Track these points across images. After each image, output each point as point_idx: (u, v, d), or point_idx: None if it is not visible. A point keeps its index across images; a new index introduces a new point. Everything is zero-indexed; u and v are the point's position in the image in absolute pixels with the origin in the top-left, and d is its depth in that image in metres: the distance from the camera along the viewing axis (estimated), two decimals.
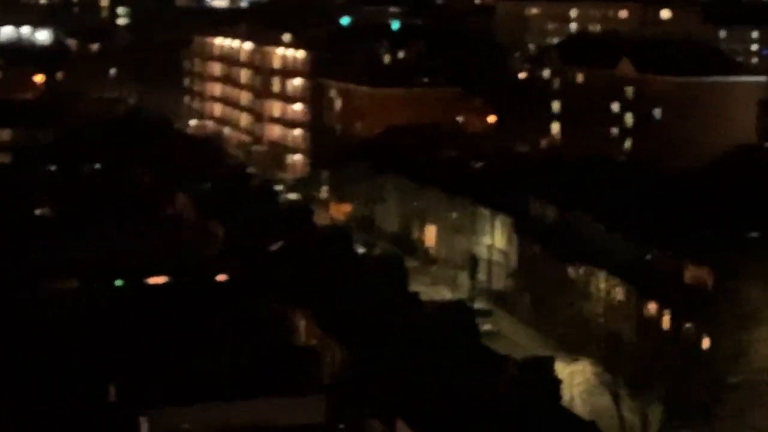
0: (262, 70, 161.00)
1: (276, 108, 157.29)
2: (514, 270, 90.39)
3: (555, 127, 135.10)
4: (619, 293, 75.70)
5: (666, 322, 71.43)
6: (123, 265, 69.71)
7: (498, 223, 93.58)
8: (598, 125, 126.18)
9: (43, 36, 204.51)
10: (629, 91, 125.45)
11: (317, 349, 57.51)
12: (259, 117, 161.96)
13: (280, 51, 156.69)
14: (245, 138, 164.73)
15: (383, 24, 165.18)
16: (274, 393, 50.65)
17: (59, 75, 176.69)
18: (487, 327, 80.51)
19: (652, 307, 72.57)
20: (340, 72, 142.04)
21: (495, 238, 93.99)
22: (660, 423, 61.75)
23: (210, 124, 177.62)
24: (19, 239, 74.35)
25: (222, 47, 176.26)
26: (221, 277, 69.92)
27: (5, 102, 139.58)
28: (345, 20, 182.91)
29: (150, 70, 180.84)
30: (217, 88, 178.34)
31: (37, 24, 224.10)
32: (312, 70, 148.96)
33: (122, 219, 79.73)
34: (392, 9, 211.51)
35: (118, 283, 67.19)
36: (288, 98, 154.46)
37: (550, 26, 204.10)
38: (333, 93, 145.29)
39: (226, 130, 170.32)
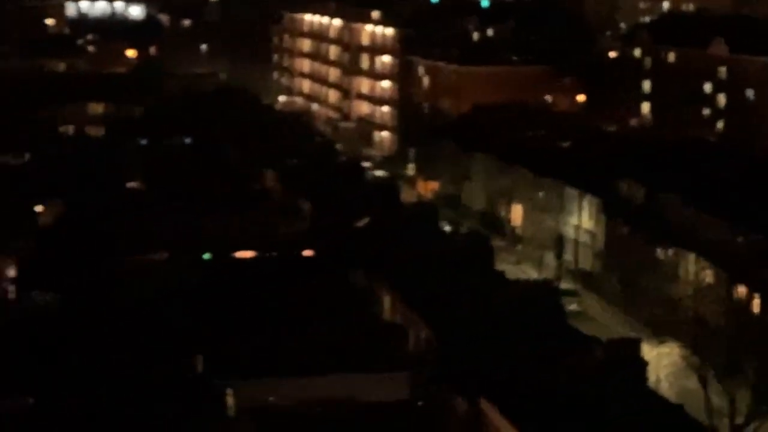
0: (351, 47, 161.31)
1: (364, 85, 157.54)
2: (601, 251, 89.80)
3: (645, 107, 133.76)
4: (708, 276, 74.90)
5: (756, 306, 70.56)
6: (211, 240, 70.35)
7: (585, 204, 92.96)
8: (690, 106, 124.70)
9: (136, 11, 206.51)
10: (722, 71, 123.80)
11: (402, 326, 57.58)
12: (347, 94, 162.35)
13: (368, 28, 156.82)
14: (333, 114, 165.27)
15: (472, 1, 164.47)
16: (359, 368, 50.85)
17: (151, 50, 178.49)
18: (573, 307, 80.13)
19: (741, 290, 71.70)
20: (428, 49, 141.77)
21: (582, 219, 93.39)
22: (748, 408, 61.05)
23: (298, 100, 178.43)
24: (110, 212, 75.30)
25: (311, 24, 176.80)
26: (307, 253, 70.29)
27: (98, 76, 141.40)
28: None
29: (240, 46, 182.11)
30: (305, 65, 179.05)
31: None
32: (400, 48, 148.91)
33: (211, 194, 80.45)
34: None
35: (206, 256, 67.81)
36: (376, 75, 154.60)
37: (642, 5, 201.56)
38: (421, 70, 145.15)
39: (315, 107, 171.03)
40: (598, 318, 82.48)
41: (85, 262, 64.37)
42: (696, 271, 76.00)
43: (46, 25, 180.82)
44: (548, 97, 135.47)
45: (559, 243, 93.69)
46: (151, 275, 61.39)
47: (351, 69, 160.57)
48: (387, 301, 62.00)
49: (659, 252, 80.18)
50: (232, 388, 51.11)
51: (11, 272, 63.20)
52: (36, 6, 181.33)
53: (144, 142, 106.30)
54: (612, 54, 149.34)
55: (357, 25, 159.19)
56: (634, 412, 44.27)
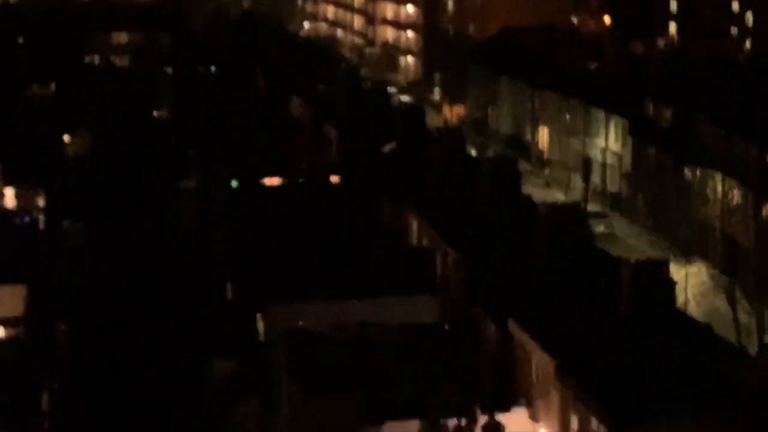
0: None
1: (389, 9, 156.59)
2: (629, 172, 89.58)
3: (672, 28, 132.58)
4: (736, 196, 74.67)
5: None
6: (238, 167, 70.56)
7: (612, 125, 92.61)
8: (717, 25, 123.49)
9: None
10: None
11: (429, 250, 57.77)
12: (371, 19, 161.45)
13: None
14: (358, 40, 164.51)
15: None
16: (387, 292, 51.13)
17: None
18: (600, 229, 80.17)
19: None
20: None
21: (609, 141, 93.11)
22: None
23: (323, 26, 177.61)
24: (137, 141, 75.58)
25: None
26: (335, 179, 70.45)
27: (123, 5, 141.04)
28: None
29: None
30: None
31: None
32: None
33: (237, 121, 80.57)
34: None
35: (234, 183, 68.08)
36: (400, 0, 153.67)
37: None
38: None
39: (339, 33, 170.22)
40: (625, 239, 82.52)
41: (113, 192, 64.74)
42: (724, 190, 75.76)
43: None
44: (575, 19, 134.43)
45: (586, 165, 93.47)
46: (179, 203, 61.75)
47: None
48: (414, 225, 62.13)
49: (687, 172, 79.93)
50: (263, 314, 51.55)
51: (40, 202, 63.65)
52: None
53: (170, 70, 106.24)
54: None
55: None
56: (663, 332, 44.38)
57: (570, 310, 46.40)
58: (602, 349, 42.63)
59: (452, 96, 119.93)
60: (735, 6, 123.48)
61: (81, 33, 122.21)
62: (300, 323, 48.43)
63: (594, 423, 39.08)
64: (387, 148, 75.54)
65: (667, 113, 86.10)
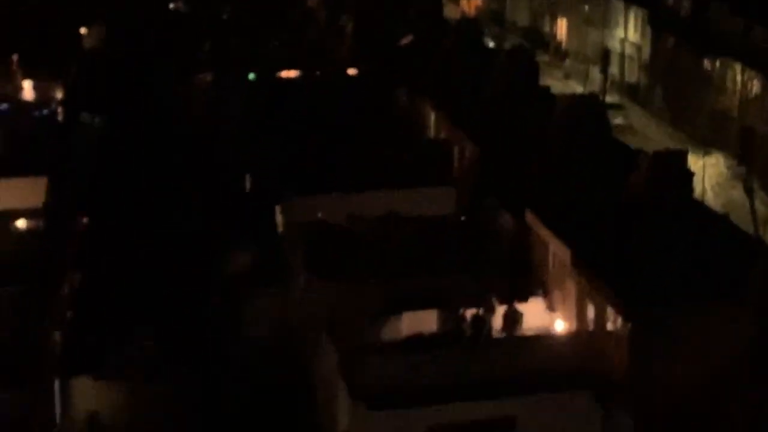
0: None
1: None
2: (647, 63, 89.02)
3: None
4: (755, 86, 74.24)
5: None
6: (255, 59, 70.38)
7: (632, 15, 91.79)
8: None
9: None
10: None
11: (447, 142, 57.77)
12: None
13: None
14: None
15: None
16: (405, 184, 51.24)
17: None
18: (618, 121, 79.98)
19: None
20: None
21: (628, 31, 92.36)
22: None
23: None
24: (153, 33, 75.33)
25: None
26: (352, 71, 70.22)
27: None
28: None
29: None
30: None
31: None
32: None
33: (253, 14, 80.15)
34: None
35: (251, 76, 67.94)
36: None
37: None
38: None
39: None
40: (644, 131, 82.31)
41: (130, 85, 64.74)
42: (743, 81, 75.30)
43: None
44: None
45: (604, 57, 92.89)
46: (196, 95, 61.73)
47: None
48: (431, 117, 62.08)
49: (706, 63, 79.38)
50: (280, 205, 51.78)
51: (58, 95, 63.66)
52: None
53: None
54: None
55: None
56: (681, 222, 44.51)
57: (587, 200, 46.51)
58: (619, 240, 42.83)
59: None
60: None
61: None
62: (318, 215, 48.66)
63: (610, 312, 39.38)
64: (404, 40, 75.16)
65: (687, 3, 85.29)
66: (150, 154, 55.59)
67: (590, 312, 41.10)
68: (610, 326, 39.40)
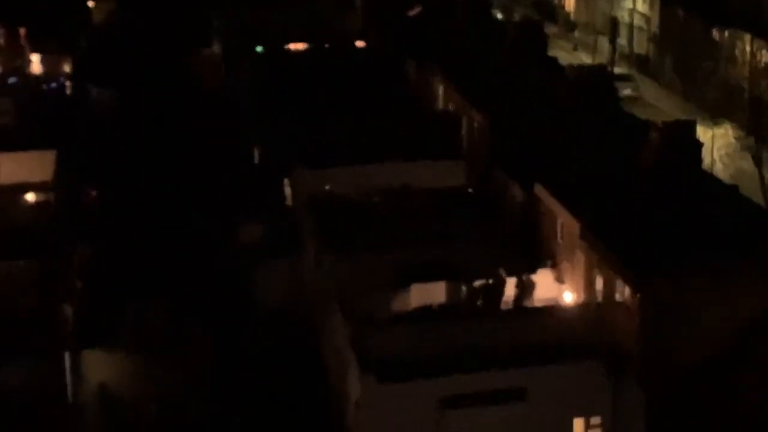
0: None
1: None
2: (656, 34, 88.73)
3: None
4: (765, 57, 74.02)
5: None
6: (264, 32, 70.30)
7: None
8: None
9: None
10: None
11: (456, 114, 57.74)
12: None
13: None
14: None
15: None
16: (414, 156, 51.25)
17: None
18: (627, 92, 79.80)
19: None
20: None
21: (636, 2, 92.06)
22: None
23: None
24: (162, 6, 75.23)
25: None
26: (360, 44, 70.14)
27: None
28: None
29: None
30: None
31: None
32: None
33: None
34: None
35: (259, 49, 67.90)
36: None
37: None
38: None
39: None
40: (653, 102, 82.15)
41: (139, 58, 64.76)
42: (752, 51, 75.07)
43: None
44: None
45: (613, 27, 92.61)
46: (206, 68, 61.75)
47: None
48: (440, 89, 62.03)
49: (715, 33, 79.13)
50: (289, 177, 51.84)
51: (67, 68, 63.69)
52: None
53: None
54: None
55: None
56: (690, 193, 44.53)
57: (596, 172, 46.51)
58: (628, 211, 42.86)
59: None
60: None
61: None
62: (327, 187, 48.69)
63: (619, 283, 39.44)
64: (413, 11, 75.01)
65: None
66: (159, 126, 55.66)
67: (599, 283, 41.17)
68: (619, 297, 39.47)
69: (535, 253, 45.09)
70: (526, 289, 42.97)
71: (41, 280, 41.60)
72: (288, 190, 52.29)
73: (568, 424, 38.26)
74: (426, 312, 41.48)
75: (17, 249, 42.44)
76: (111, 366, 42.80)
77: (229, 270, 47.48)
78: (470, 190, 49.98)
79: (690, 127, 48.30)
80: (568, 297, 43.18)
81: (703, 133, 60.05)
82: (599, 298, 41.07)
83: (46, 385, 40.37)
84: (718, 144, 69.15)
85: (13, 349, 39.80)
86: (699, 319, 37.33)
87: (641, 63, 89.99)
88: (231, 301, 45.98)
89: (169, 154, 53.20)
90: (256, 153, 55.14)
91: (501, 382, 37.37)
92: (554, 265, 44.69)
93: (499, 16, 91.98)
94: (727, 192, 46.07)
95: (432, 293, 42.27)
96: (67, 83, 60.73)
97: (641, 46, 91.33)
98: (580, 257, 42.53)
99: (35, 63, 64.88)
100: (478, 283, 42.64)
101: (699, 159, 48.00)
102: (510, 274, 42.95)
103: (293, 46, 69.25)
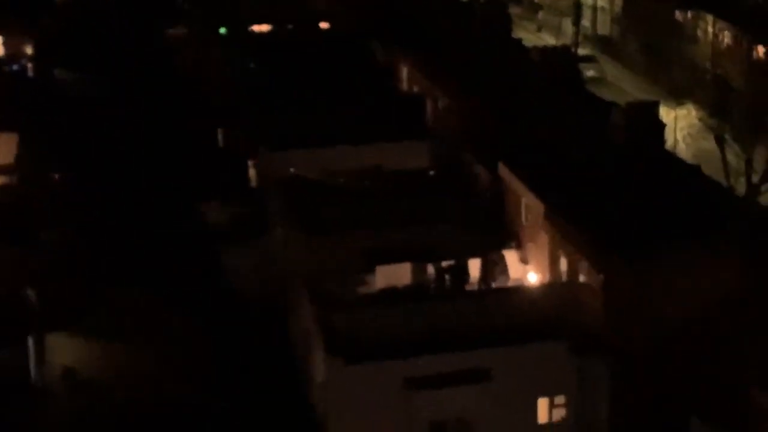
0: None
1: None
2: (620, 15, 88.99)
3: None
4: (727, 37, 74.39)
5: None
6: (229, 13, 70.00)
7: None
8: None
9: None
10: None
11: (420, 96, 57.76)
12: None
13: None
14: None
15: None
16: (379, 138, 51.20)
17: None
18: (591, 73, 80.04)
19: (760, 50, 71.34)
20: None
21: None
22: (764, 166, 61.52)
23: None
24: None
25: None
26: (324, 25, 69.97)
27: None
28: None
29: None
30: None
31: None
32: None
33: None
34: None
35: (223, 30, 67.64)
36: None
37: None
38: None
39: None
40: (616, 83, 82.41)
41: (103, 40, 64.38)
42: (715, 32, 75.42)
43: None
44: None
45: (576, 9, 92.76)
46: (169, 50, 61.47)
47: None
48: (404, 71, 62.03)
49: (678, 14, 79.41)
50: (254, 160, 51.74)
51: (29, 50, 63.25)
52: None
53: None
54: None
55: None
56: (654, 174, 44.76)
57: (560, 153, 46.65)
58: (591, 191, 43.01)
59: None
60: None
61: None
62: (292, 170, 48.61)
63: (583, 264, 39.64)
64: None
65: None
66: (124, 109, 55.38)
67: (563, 264, 41.36)
68: (583, 278, 39.67)
69: (499, 234, 45.21)
70: (495, 268, 43.14)
71: (4, 264, 41.38)
72: (253, 173, 52.19)
73: (532, 403, 38.50)
74: (392, 293, 41.59)
75: None
76: (75, 350, 42.66)
77: (196, 253, 47.39)
78: (431, 172, 49.78)
79: (653, 108, 48.56)
80: (533, 277, 43.37)
81: (666, 113, 60.40)
82: (563, 278, 41.26)
83: (9, 369, 40.20)
84: (681, 124, 69.50)
85: None
86: (662, 299, 37.56)
87: (605, 44, 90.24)
88: (198, 283, 45.89)
89: (134, 137, 52.95)
90: (220, 136, 55.00)
91: (466, 363, 37.53)
92: (519, 246, 44.85)
93: None
94: (690, 172, 46.33)
95: (397, 275, 42.37)
96: (30, 65, 60.36)
97: (605, 27, 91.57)
98: (544, 238, 42.70)
99: None
100: (445, 264, 42.77)
101: (662, 139, 48.27)
102: (476, 255, 43.10)
103: (257, 28, 69.01)
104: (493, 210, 46.20)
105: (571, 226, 40.59)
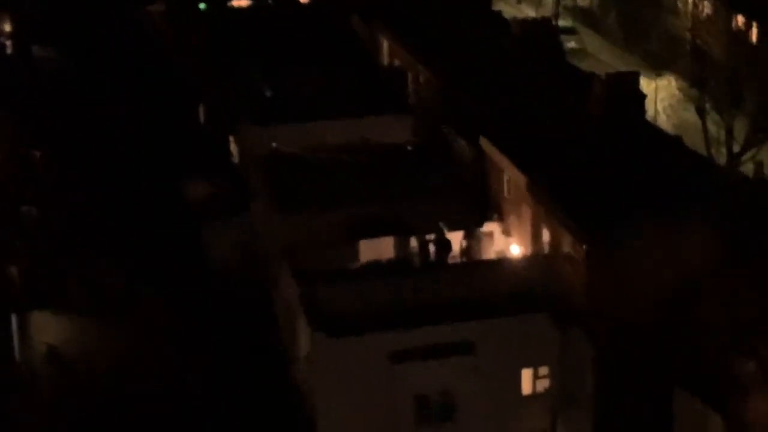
0: None
1: None
2: None
3: None
4: (706, 7, 74.46)
5: (754, 35, 70.46)
6: None
7: None
8: None
9: None
10: None
11: (402, 69, 57.66)
12: None
13: None
14: None
15: None
16: (360, 112, 51.16)
17: None
18: (571, 45, 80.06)
19: (740, 20, 71.43)
20: None
21: None
22: (745, 136, 61.75)
23: None
24: None
25: None
26: (303, 0, 69.75)
27: None
28: None
29: None
30: None
31: None
32: None
33: None
34: None
35: (202, 6, 67.37)
36: None
37: None
38: None
39: None
40: (597, 54, 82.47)
41: (82, 16, 64.07)
42: (694, 2, 75.47)
43: None
44: None
45: None
46: (149, 27, 61.20)
47: None
48: (385, 45, 61.89)
49: None
50: (234, 136, 51.66)
51: (8, 27, 62.92)
52: None
53: None
54: None
55: None
56: (635, 145, 44.85)
57: (541, 125, 46.69)
58: (573, 163, 43.07)
59: None
60: None
61: None
62: (273, 145, 48.54)
63: (565, 236, 39.73)
64: None
65: None
66: (105, 86, 55.17)
67: (545, 236, 41.45)
68: (565, 250, 39.77)
69: (482, 207, 45.27)
70: (475, 242, 43.21)
71: None
72: (233, 148, 52.11)
73: (516, 375, 38.68)
74: (375, 267, 41.64)
75: None
76: (58, 328, 42.65)
77: (178, 229, 47.34)
78: (409, 147, 49.66)
79: (633, 79, 48.60)
80: (515, 250, 43.46)
81: (646, 84, 60.47)
82: (546, 250, 41.36)
83: None
84: (661, 95, 69.67)
85: None
86: (644, 270, 37.69)
87: (585, 15, 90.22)
88: (181, 260, 45.87)
89: (115, 113, 52.78)
90: (201, 111, 54.88)
91: (450, 336, 37.66)
92: (501, 219, 44.92)
93: None
94: (671, 142, 46.43)
95: (380, 248, 42.42)
96: (8, 42, 60.07)
97: None
98: (526, 211, 42.77)
99: None
100: (428, 237, 42.83)
101: (643, 110, 48.34)
102: (458, 229, 43.15)
103: (236, 3, 68.75)
104: (475, 183, 46.24)
105: (553, 198, 40.66)
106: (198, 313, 43.75)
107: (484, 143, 46.02)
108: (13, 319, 41.69)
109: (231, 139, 51.94)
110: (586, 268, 38.09)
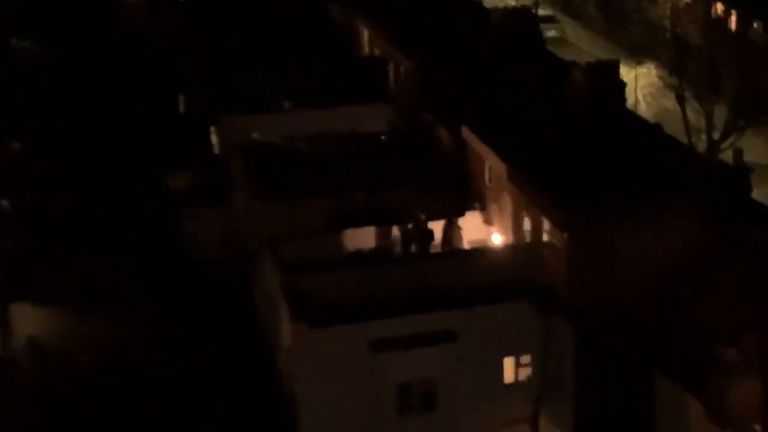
0: None
1: None
2: None
3: None
4: None
5: (733, 22, 70.66)
6: None
7: None
8: None
9: None
10: None
11: (382, 58, 57.63)
12: None
13: None
14: None
15: None
16: (340, 101, 51.14)
17: None
18: (551, 33, 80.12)
19: (719, 7, 71.62)
20: None
21: None
22: (725, 123, 61.98)
23: None
24: None
25: None
26: None
27: None
28: None
29: None
30: None
31: None
32: None
33: None
34: None
35: None
36: None
37: None
38: None
39: None
40: (576, 43, 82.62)
41: (61, 9, 63.83)
42: None
43: None
44: None
45: None
46: (128, 17, 61.01)
47: None
48: (365, 33, 61.83)
49: None
50: (215, 126, 51.58)
51: None
52: None
53: None
54: None
55: None
56: (615, 132, 44.93)
57: (522, 114, 46.73)
58: (554, 152, 43.15)
59: None
60: None
61: None
62: (254, 135, 48.50)
63: (546, 224, 39.81)
64: None
65: None
66: (84, 77, 54.97)
67: (527, 225, 41.52)
68: (546, 237, 39.85)
69: (463, 196, 45.31)
70: (453, 231, 43.28)
71: None
72: (214, 138, 52.01)
73: (498, 363, 38.76)
74: (356, 257, 41.66)
75: None
76: (39, 320, 42.53)
77: (160, 220, 47.25)
78: (391, 136, 49.68)
79: (613, 67, 48.68)
80: (497, 239, 43.52)
81: (626, 72, 60.60)
82: (527, 239, 41.43)
83: None
84: (641, 83, 69.85)
85: None
86: (626, 257, 37.82)
87: (565, 4, 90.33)
88: (163, 250, 45.80)
89: (94, 105, 52.62)
90: (181, 101, 54.70)
91: (432, 325, 37.70)
92: (482, 208, 44.97)
93: None
94: (651, 131, 46.54)
95: (362, 238, 42.45)
96: None
97: None
98: (507, 199, 42.83)
99: None
100: (410, 226, 42.87)
101: (623, 98, 48.43)
102: (439, 218, 43.20)
103: None
104: (456, 172, 46.26)
105: (534, 187, 40.73)
106: (180, 303, 43.69)
107: (465, 132, 46.05)
108: None
109: (212, 129, 51.83)
110: (567, 256, 38.19)
